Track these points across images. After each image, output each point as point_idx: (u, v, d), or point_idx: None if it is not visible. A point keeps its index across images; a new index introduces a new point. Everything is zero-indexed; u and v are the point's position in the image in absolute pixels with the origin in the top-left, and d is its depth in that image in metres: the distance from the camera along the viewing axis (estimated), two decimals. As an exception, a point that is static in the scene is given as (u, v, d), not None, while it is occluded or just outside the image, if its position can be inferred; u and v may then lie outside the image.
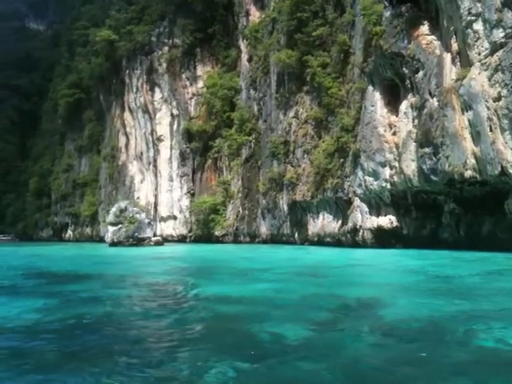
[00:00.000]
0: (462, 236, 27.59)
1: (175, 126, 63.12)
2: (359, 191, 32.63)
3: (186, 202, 60.71)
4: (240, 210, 50.50)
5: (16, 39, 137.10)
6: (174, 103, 63.50)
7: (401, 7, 29.46)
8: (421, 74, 27.43)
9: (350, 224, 33.50)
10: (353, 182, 33.41)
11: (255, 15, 54.20)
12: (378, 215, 31.78)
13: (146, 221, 50.98)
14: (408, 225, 30.73)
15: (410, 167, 28.28)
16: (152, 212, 63.08)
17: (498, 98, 22.78)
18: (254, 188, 48.34)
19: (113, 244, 48.47)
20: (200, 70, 62.49)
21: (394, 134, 30.22)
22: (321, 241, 37.48)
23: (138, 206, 55.98)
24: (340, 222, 35.57)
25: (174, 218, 62.28)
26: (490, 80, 23.10)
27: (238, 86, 54.98)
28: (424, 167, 26.87)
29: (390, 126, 30.52)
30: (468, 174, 24.30)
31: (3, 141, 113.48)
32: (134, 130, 69.25)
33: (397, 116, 30.15)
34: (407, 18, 28.91)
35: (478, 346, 7.06)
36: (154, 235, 53.40)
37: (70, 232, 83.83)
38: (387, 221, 31.13)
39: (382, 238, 31.14)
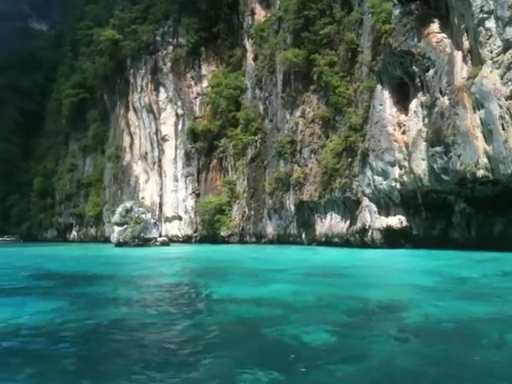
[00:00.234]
0: (473, 236, 27.29)
1: (180, 126, 62.92)
2: (368, 191, 32.36)
3: (191, 202, 60.49)
4: (246, 210, 50.26)
5: (19, 39, 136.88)
6: (179, 103, 63.30)
7: (410, 5, 29.18)
8: (431, 72, 27.16)
9: (358, 224, 33.23)
10: (361, 181, 33.14)
11: (260, 14, 53.97)
12: (387, 215, 31.51)
13: (152, 221, 50.86)
14: (418, 225, 30.44)
15: (420, 166, 27.99)
16: (157, 212, 62.88)
17: (510, 97, 22.58)
18: (260, 188, 48.10)
19: (119, 244, 48.34)
20: (205, 70, 62.30)
21: (404, 132, 29.95)
22: (328, 241, 37.22)
23: (144, 207, 55.82)
24: (348, 222, 35.31)
25: (179, 218, 62.05)
26: (502, 78, 22.85)
27: (243, 86, 54.76)
28: (435, 166, 26.58)
29: (400, 124, 30.25)
30: (480, 173, 24.04)
31: (7, 141, 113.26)
32: (138, 129, 69.10)
33: (406, 115, 29.87)
34: (417, 16, 28.64)
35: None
36: (160, 235, 53.22)
37: (74, 232, 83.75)
38: (397, 221, 30.87)
39: (392, 238, 30.88)
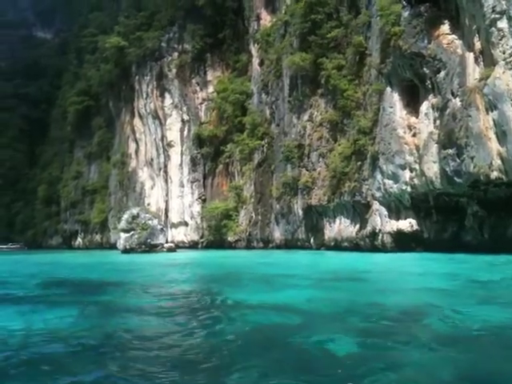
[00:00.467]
0: (486, 239, 26.91)
1: (186, 132, 62.83)
2: (378, 194, 32.04)
3: (197, 207, 60.29)
4: (253, 215, 50.01)
5: (23, 47, 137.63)
6: (185, 108, 63.26)
7: (420, 7, 28.98)
8: (442, 73, 26.88)
9: (368, 228, 32.92)
10: (371, 185, 32.83)
11: (266, 19, 53.91)
12: (397, 219, 31.18)
13: (159, 227, 50.66)
14: (429, 228, 30.10)
15: (432, 169, 27.66)
16: (163, 218, 62.62)
17: (524, 97, 22.23)
18: (267, 193, 47.86)
19: (125, 251, 48.12)
20: (210, 75, 62.33)
21: (414, 135, 29.66)
22: (338, 245, 36.90)
23: (150, 213, 55.61)
24: (358, 226, 35.01)
25: (185, 224, 61.83)
26: (515, 79, 22.52)
27: (249, 91, 54.70)
28: (447, 169, 26.23)
29: (410, 127, 29.96)
30: (494, 175, 23.69)
31: (12, 149, 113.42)
32: (144, 135, 69.05)
33: (417, 117, 29.59)
34: (427, 18, 28.42)
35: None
36: (166, 241, 52.97)
37: (79, 239, 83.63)
38: (407, 224, 30.55)
39: (402, 242, 30.57)
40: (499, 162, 23.54)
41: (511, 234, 25.78)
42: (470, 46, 25.64)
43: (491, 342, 7.45)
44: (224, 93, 56.60)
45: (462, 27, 26.63)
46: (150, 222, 49.77)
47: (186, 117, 63.19)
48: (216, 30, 60.34)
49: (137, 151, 70.32)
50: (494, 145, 23.71)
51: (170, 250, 49.49)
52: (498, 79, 23.16)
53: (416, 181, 29.33)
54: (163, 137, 65.54)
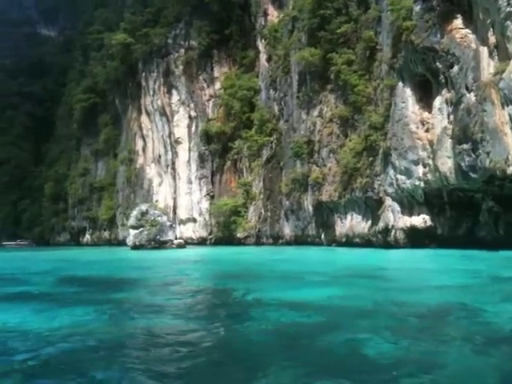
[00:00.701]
0: (501, 235, 26.69)
1: (193, 128, 62.62)
2: (390, 190, 31.86)
3: (205, 204, 60.18)
4: (262, 211, 49.91)
5: (28, 45, 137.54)
6: (192, 105, 63.03)
7: (431, 1, 28.75)
8: (456, 68, 26.64)
9: (381, 224, 32.76)
10: (383, 180, 32.65)
11: (273, 15, 53.64)
12: (410, 215, 31.01)
13: (168, 223, 50.73)
14: (442, 224, 29.92)
15: (446, 164, 27.46)
16: (171, 215, 62.53)
17: (540, 91, 22.02)
18: (276, 189, 47.72)
19: (134, 247, 48.17)
20: (217, 72, 62.04)
21: (427, 130, 29.45)
22: (349, 241, 36.75)
23: (158, 209, 55.61)
24: (370, 222, 34.85)
25: (194, 220, 61.74)
26: (531, 73, 22.31)
27: (256, 87, 54.46)
28: (462, 164, 26.02)
29: (423, 122, 29.75)
30: (510, 170, 23.52)
31: (17, 147, 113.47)
32: (151, 132, 68.88)
33: (430, 112, 29.38)
34: (439, 12, 28.17)
35: None
36: (175, 238, 52.98)
37: (87, 236, 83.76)
38: (421, 220, 30.38)
39: (416, 238, 30.40)
40: (515, 156, 23.37)
41: (527, 229, 25.61)
42: (483, 40, 25.41)
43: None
44: (231, 89, 56.38)
45: (475, 21, 26.38)
46: (159, 218, 49.81)
47: (193, 113, 62.99)
48: (222, 26, 59.98)
49: (144, 148, 70.18)
50: (510, 140, 23.53)
51: (180, 246, 49.55)
52: (514, 73, 22.96)
53: (429, 176, 29.13)
54: (171, 133, 65.35)
